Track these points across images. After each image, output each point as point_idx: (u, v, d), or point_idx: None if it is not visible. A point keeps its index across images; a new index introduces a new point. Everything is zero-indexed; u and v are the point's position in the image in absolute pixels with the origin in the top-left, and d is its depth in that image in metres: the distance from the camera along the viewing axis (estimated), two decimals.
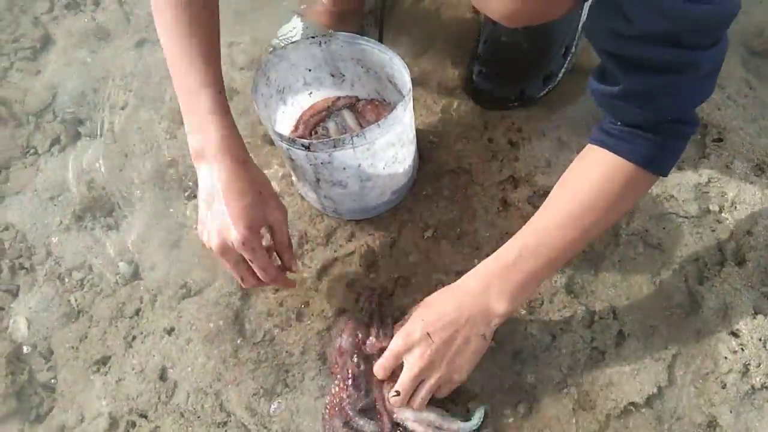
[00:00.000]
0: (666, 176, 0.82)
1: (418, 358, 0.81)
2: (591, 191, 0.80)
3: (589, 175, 0.81)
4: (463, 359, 0.81)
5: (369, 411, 0.86)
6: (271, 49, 1.21)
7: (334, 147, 0.83)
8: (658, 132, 0.77)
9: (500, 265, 0.81)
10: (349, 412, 0.86)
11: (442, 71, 1.21)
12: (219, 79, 0.80)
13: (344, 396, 0.87)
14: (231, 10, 1.32)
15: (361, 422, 0.85)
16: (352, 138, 0.81)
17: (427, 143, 1.12)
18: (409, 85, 0.86)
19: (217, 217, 0.77)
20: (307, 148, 0.83)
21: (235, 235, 0.75)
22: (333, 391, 0.89)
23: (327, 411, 0.88)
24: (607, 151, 0.79)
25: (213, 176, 0.77)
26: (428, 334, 0.80)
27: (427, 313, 0.83)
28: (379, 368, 0.85)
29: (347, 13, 1.20)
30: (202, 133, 0.78)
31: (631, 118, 0.77)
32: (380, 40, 1.04)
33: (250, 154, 0.83)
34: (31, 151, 1.21)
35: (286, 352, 0.95)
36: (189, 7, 0.78)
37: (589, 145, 0.83)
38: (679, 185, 1.05)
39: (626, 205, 0.86)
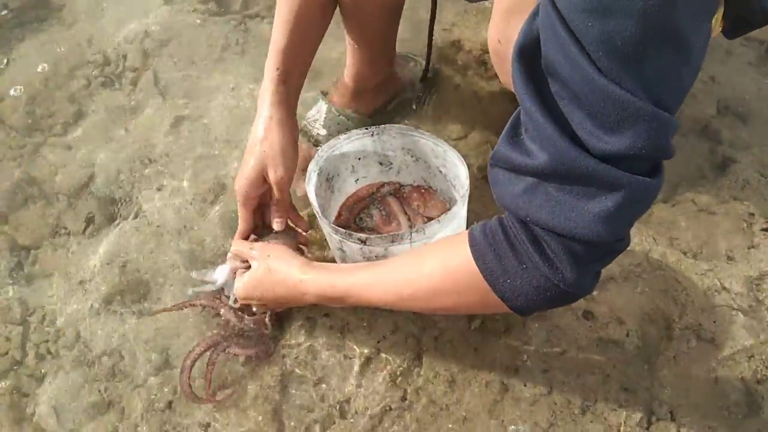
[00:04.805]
0: (522, 314, 0.72)
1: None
2: (429, 276, 0.74)
3: (440, 257, 0.74)
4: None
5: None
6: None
7: (392, 242, 0.81)
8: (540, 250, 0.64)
9: (321, 288, 0.84)
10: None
11: (480, 156, 1.21)
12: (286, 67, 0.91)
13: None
14: None
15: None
16: (411, 234, 0.79)
17: None
18: (467, 181, 0.85)
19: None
20: (363, 242, 0.81)
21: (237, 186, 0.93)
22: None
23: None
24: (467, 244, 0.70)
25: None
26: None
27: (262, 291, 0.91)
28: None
29: (367, 91, 1.18)
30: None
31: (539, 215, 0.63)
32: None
33: None
34: (63, 231, 1.18)
35: None
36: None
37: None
38: (731, 277, 1.03)
39: (461, 310, 0.89)
